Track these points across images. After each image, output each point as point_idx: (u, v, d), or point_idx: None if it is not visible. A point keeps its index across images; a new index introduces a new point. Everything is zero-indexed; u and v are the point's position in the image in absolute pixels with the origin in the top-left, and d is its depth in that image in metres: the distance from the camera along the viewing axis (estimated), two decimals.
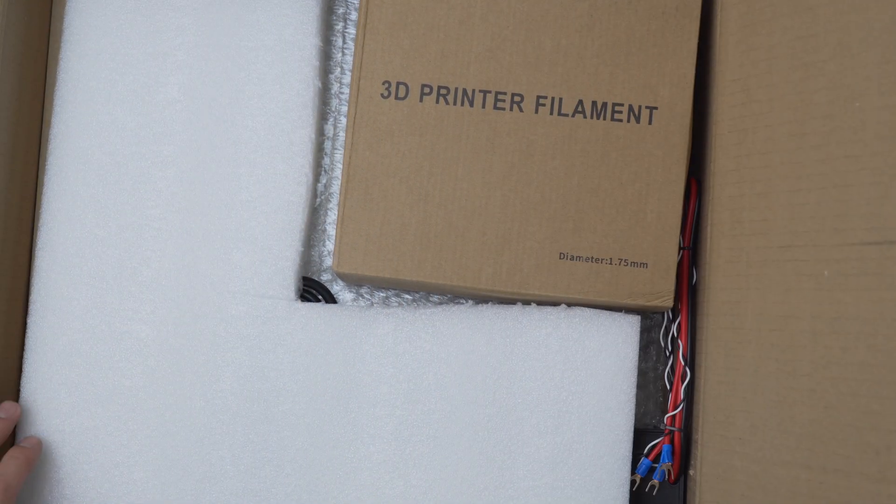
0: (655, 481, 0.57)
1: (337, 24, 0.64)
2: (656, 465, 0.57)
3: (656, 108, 0.56)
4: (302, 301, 0.60)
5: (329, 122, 0.63)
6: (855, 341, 0.44)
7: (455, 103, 0.57)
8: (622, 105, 0.56)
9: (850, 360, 0.44)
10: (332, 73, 0.63)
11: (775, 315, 0.50)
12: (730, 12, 0.55)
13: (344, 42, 0.63)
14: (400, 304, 0.62)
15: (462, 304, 0.61)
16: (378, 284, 0.61)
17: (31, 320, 0.60)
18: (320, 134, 0.62)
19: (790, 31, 0.50)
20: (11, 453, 0.56)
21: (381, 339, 0.58)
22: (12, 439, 0.60)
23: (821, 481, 0.45)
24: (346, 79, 0.63)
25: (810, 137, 0.48)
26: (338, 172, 0.63)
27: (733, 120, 0.54)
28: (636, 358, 0.56)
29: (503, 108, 0.57)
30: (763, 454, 0.50)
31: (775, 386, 0.49)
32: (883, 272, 0.43)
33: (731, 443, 0.53)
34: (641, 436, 0.58)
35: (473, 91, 0.57)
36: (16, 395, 0.60)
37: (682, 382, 0.57)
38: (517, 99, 0.57)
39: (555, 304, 0.57)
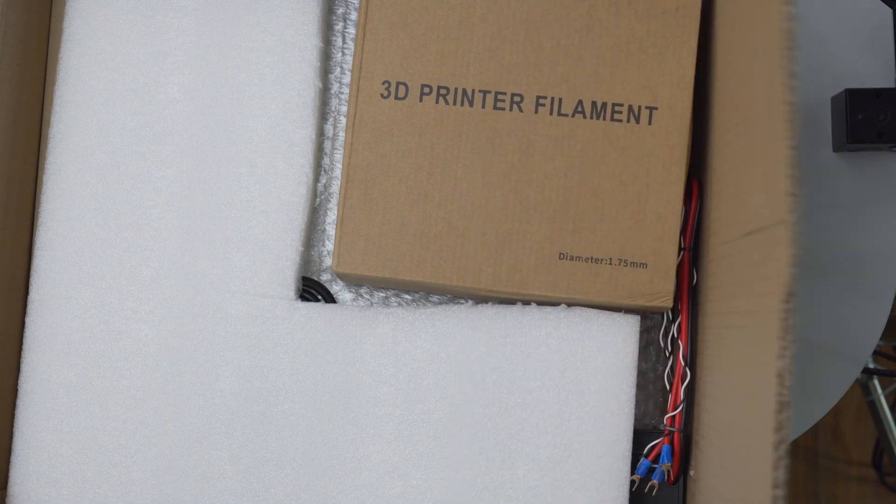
0: (655, 482, 0.57)
1: (337, 24, 0.64)
2: (656, 466, 0.57)
3: (656, 108, 0.56)
4: (302, 301, 0.60)
5: (329, 122, 0.63)
6: (738, 336, 0.45)
7: (455, 103, 0.57)
8: (622, 105, 0.56)
9: (737, 356, 0.45)
10: (331, 73, 0.63)
11: (722, 312, 0.51)
12: (728, 12, 0.55)
13: (344, 42, 0.64)
14: (400, 304, 0.62)
15: (462, 303, 0.61)
16: (378, 284, 0.61)
17: (29, 319, 0.60)
18: (320, 134, 0.62)
19: (734, 27, 0.51)
20: None
21: (381, 339, 0.58)
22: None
23: (726, 482, 0.46)
24: (346, 79, 0.63)
25: (737, 132, 0.49)
26: (337, 172, 0.63)
27: (717, 119, 0.55)
28: (636, 358, 0.56)
29: (503, 108, 0.57)
30: (712, 454, 0.50)
31: (715, 386, 0.50)
32: (749, 263, 0.43)
33: (704, 443, 0.53)
34: (641, 436, 0.58)
35: (473, 91, 0.57)
36: (14, 394, 0.60)
37: (682, 383, 0.57)
38: (517, 99, 0.57)
39: (555, 304, 0.57)
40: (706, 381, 0.55)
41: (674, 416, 0.57)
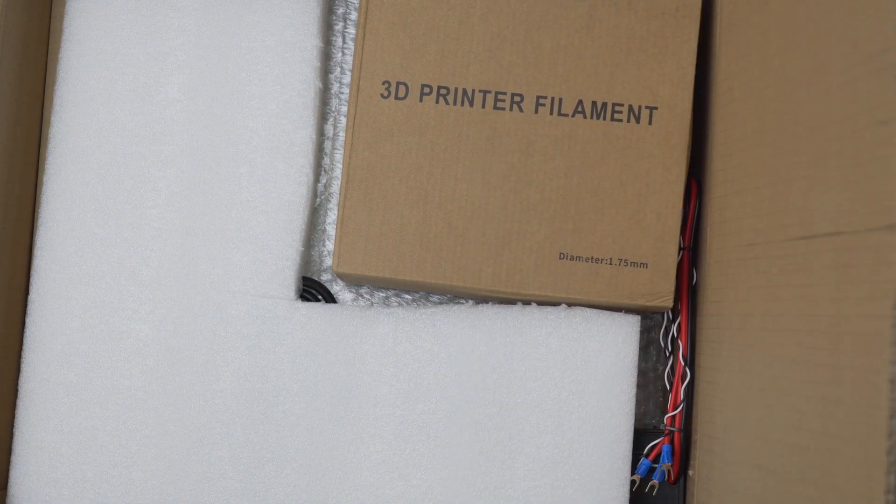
0: (655, 481, 0.57)
1: (337, 24, 0.64)
2: (656, 466, 0.57)
3: (656, 108, 0.56)
4: (302, 301, 0.60)
5: (329, 122, 0.63)
6: (788, 338, 0.44)
7: (455, 103, 0.57)
8: (622, 105, 0.56)
9: (785, 358, 0.44)
10: (331, 73, 0.63)
11: (739, 314, 0.50)
12: (728, 12, 0.55)
13: (344, 42, 0.64)
14: (400, 304, 0.62)
15: (462, 304, 0.61)
16: (378, 284, 0.61)
17: (29, 320, 0.60)
18: (320, 134, 0.62)
19: (757, 26, 0.50)
20: None
21: (381, 339, 0.58)
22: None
23: (764, 481, 0.45)
24: (346, 79, 0.63)
25: (767, 133, 0.48)
26: (338, 172, 0.63)
27: (723, 119, 0.54)
28: (636, 358, 0.56)
29: (503, 108, 0.57)
30: (730, 454, 0.50)
31: (736, 385, 0.50)
32: (807, 267, 0.43)
33: (712, 443, 0.53)
34: (641, 436, 0.58)
35: (473, 91, 0.57)
36: (14, 394, 0.60)
37: (682, 383, 0.57)
38: (517, 99, 0.57)
39: (555, 304, 0.57)
40: (707, 381, 0.55)
41: (674, 416, 0.57)
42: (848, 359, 0.39)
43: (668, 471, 0.57)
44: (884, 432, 0.36)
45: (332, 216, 0.63)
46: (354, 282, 0.61)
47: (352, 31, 0.64)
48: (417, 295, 0.62)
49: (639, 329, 0.57)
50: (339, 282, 0.63)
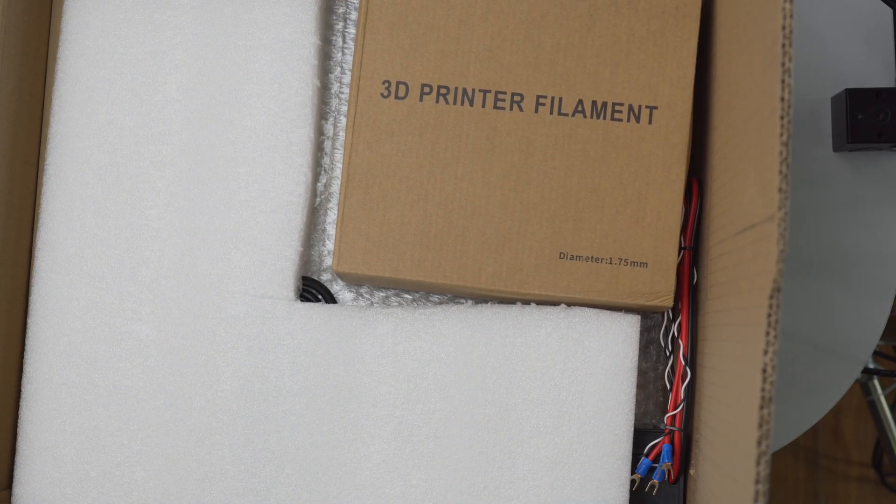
0: (655, 481, 0.57)
1: (337, 24, 0.64)
2: (656, 465, 0.57)
3: (656, 107, 0.56)
4: (302, 301, 0.60)
5: (329, 122, 0.63)
6: (730, 333, 0.44)
7: (455, 103, 0.57)
8: (622, 105, 0.57)
9: (730, 352, 0.45)
10: (331, 72, 0.63)
11: (720, 309, 0.50)
12: (728, 11, 0.55)
13: (344, 42, 0.64)
14: (400, 304, 0.62)
15: (462, 303, 0.61)
16: (378, 284, 0.62)
17: (31, 320, 0.60)
18: (320, 133, 0.62)
19: (725, 23, 0.51)
20: None
21: (380, 339, 0.58)
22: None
23: (718, 478, 0.46)
24: (346, 78, 0.63)
25: (729, 129, 0.48)
26: (338, 172, 0.63)
27: (719, 117, 0.55)
28: (636, 358, 0.56)
29: (503, 108, 0.57)
30: (713, 453, 0.50)
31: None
32: (740, 261, 0.43)
33: (708, 441, 0.53)
34: (641, 436, 0.58)
35: (473, 91, 0.57)
36: (16, 395, 0.60)
37: (683, 382, 0.57)
38: (517, 98, 0.57)
39: (555, 303, 0.57)
40: (705, 379, 0.55)
41: (674, 416, 0.57)
42: (747, 351, 0.39)
43: (668, 470, 0.57)
44: (754, 422, 0.36)
45: (332, 216, 0.63)
46: (354, 281, 0.61)
47: (352, 30, 0.64)
48: (417, 295, 0.63)
49: (639, 329, 0.57)
50: (339, 282, 0.63)
